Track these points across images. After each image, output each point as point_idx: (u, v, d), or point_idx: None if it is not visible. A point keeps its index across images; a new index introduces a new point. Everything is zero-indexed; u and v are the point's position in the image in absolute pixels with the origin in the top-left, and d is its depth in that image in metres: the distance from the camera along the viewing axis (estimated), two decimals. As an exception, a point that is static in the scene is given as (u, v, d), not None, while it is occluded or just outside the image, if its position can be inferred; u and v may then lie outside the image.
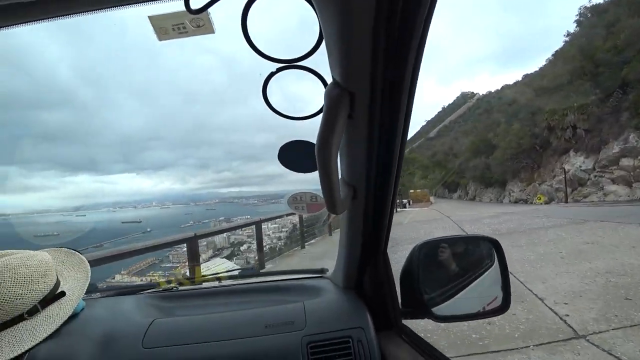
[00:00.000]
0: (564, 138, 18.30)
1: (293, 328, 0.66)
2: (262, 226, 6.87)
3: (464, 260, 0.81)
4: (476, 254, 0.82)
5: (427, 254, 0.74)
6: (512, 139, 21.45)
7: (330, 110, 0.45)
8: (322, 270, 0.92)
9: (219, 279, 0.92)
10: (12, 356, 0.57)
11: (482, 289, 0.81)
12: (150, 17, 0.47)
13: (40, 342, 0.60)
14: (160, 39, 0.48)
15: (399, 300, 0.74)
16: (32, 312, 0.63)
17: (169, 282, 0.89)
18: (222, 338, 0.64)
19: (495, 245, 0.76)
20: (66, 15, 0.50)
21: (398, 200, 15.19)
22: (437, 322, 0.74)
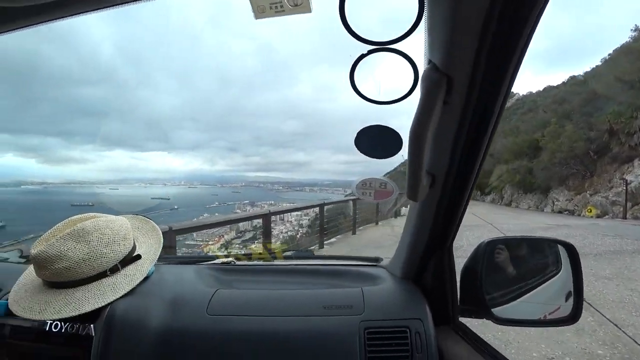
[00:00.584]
0: (629, 145, 15.69)
1: (351, 312, 0.67)
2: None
3: (531, 262, 0.77)
4: (544, 257, 0.77)
5: (492, 252, 0.71)
6: (564, 142, 18.73)
7: (427, 95, 0.44)
8: (377, 259, 0.92)
9: (275, 258, 0.96)
10: (96, 307, 0.64)
11: (546, 296, 0.77)
12: None
13: (119, 298, 0.67)
14: (256, 17, 0.49)
15: (458, 297, 0.72)
16: (114, 270, 0.69)
17: (227, 256, 0.95)
18: (281, 314, 0.67)
19: (570, 250, 0.70)
20: None
21: None
22: (497, 324, 0.71)
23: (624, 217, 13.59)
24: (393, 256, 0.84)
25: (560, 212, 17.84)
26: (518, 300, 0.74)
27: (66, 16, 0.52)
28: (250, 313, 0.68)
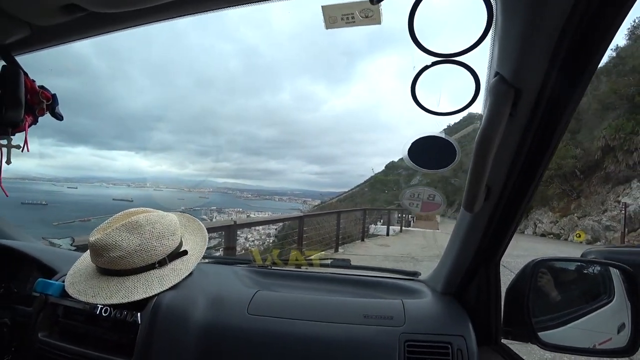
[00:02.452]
0: (627, 163, 13.50)
1: (392, 323, 0.66)
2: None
3: (581, 286, 0.73)
4: (596, 282, 0.74)
5: (540, 273, 0.68)
6: (553, 158, 17.40)
7: (495, 107, 0.44)
8: (415, 274, 0.90)
9: (311, 264, 0.96)
10: (144, 296, 0.66)
11: (596, 325, 0.73)
12: (323, 7, 0.50)
13: (165, 290, 0.68)
14: (327, 27, 0.52)
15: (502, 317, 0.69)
16: (162, 263, 0.72)
17: (264, 259, 0.96)
18: (321, 319, 0.67)
19: (627, 276, 0.67)
20: (241, 4, 0.56)
21: (404, 216, 11.74)
22: (543, 350, 0.68)
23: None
24: (433, 270, 0.82)
25: (543, 235, 15.93)
26: (567, 326, 0.70)
27: (153, 22, 0.57)
28: (290, 316, 0.68)
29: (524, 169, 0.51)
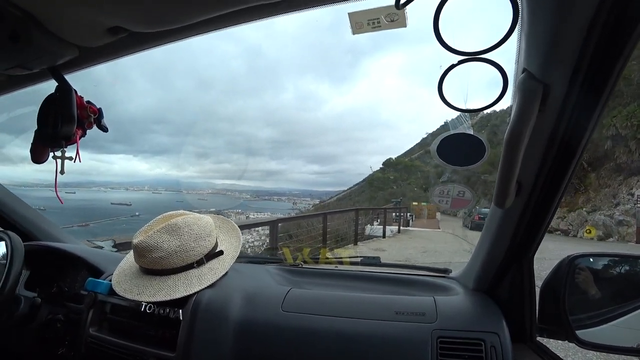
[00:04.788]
0: None
1: (424, 320, 0.66)
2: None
3: (624, 283, 0.70)
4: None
5: (578, 269, 0.66)
6: None
7: (523, 103, 0.44)
8: (446, 270, 0.90)
9: (341, 263, 0.99)
10: (185, 294, 0.70)
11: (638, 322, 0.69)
12: (349, 14, 0.52)
13: (204, 288, 0.72)
14: (354, 33, 0.54)
15: (537, 314, 0.68)
16: (199, 263, 0.76)
17: (294, 258, 0.99)
18: (353, 316, 0.69)
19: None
20: (273, 16, 0.59)
21: (402, 214, 11.33)
22: (582, 348, 0.66)
23: (638, 242, 11.04)
24: (465, 267, 0.82)
25: (550, 231, 14.76)
26: (607, 324, 0.67)
27: (183, 38, 0.61)
28: (323, 313, 0.70)
29: (555, 165, 0.51)
